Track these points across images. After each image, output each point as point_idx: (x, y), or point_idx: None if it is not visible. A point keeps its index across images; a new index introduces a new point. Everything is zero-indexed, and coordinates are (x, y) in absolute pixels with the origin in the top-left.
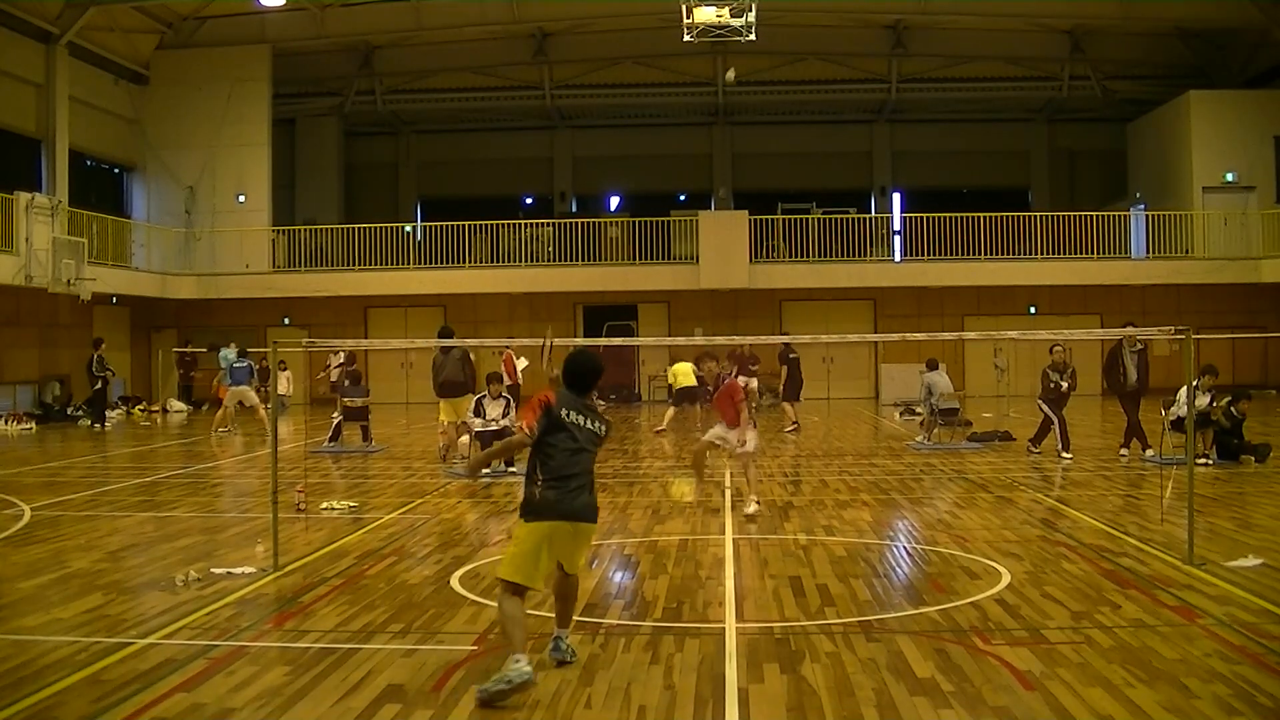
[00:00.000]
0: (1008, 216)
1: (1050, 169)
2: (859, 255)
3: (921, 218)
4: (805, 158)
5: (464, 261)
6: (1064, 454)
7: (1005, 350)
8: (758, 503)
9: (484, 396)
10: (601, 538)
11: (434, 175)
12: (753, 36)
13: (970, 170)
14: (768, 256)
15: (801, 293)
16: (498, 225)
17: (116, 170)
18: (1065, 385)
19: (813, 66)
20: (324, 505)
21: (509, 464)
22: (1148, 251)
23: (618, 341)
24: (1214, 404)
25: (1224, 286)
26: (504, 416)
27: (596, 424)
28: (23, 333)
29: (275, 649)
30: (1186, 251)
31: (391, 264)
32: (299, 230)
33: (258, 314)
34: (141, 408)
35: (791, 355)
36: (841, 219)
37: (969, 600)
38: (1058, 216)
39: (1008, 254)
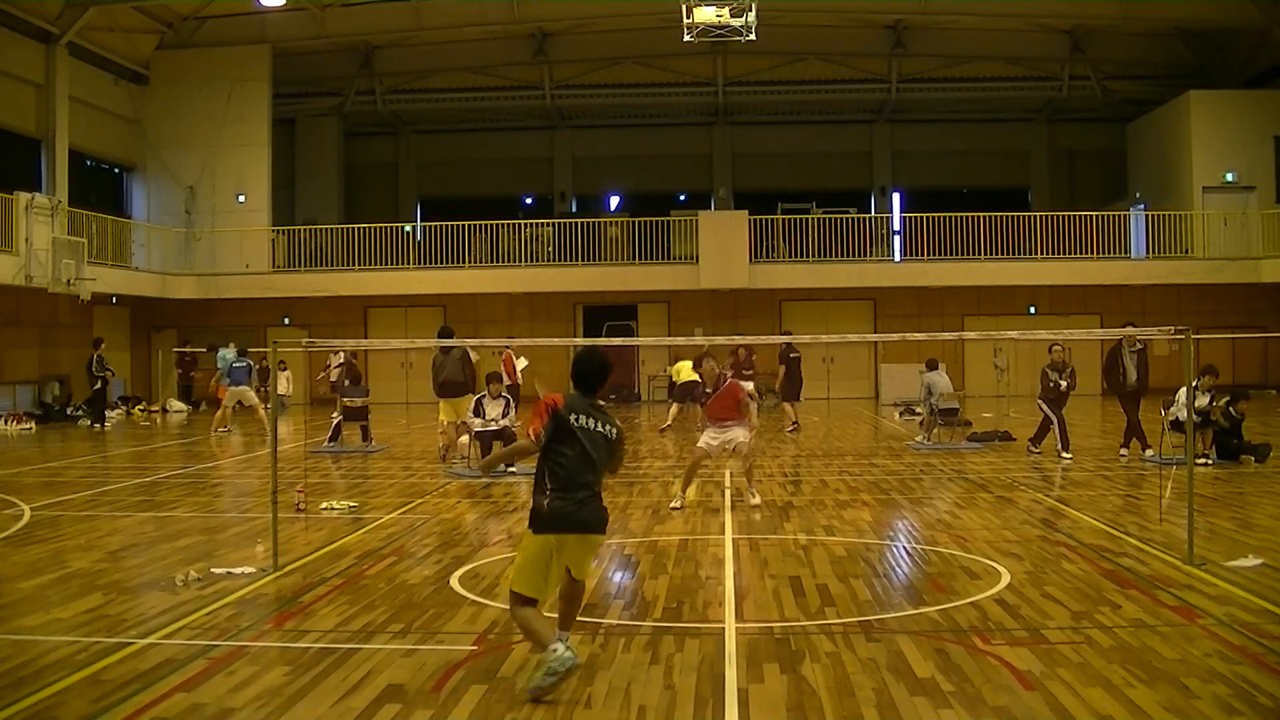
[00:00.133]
0: (1008, 216)
1: (1050, 169)
2: (859, 255)
3: (921, 218)
4: (805, 158)
5: (464, 261)
6: (1064, 454)
7: (1005, 350)
8: (757, 497)
9: (484, 396)
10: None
11: (434, 175)
12: (753, 36)
13: (970, 170)
14: (768, 256)
15: (801, 293)
16: (498, 225)
17: (116, 170)
18: (1064, 385)
19: (813, 66)
20: (324, 505)
21: (509, 465)
22: (1148, 251)
23: (618, 341)
24: (1213, 404)
25: (1224, 286)
26: (504, 416)
27: (606, 427)
28: (23, 333)
29: (275, 649)
30: (1186, 251)
31: (391, 264)
32: (299, 230)
33: (258, 314)
34: (141, 408)
35: (792, 355)
36: (841, 219)
37: (969, 600)
38: (1058, 216)
39: (1008, 254)
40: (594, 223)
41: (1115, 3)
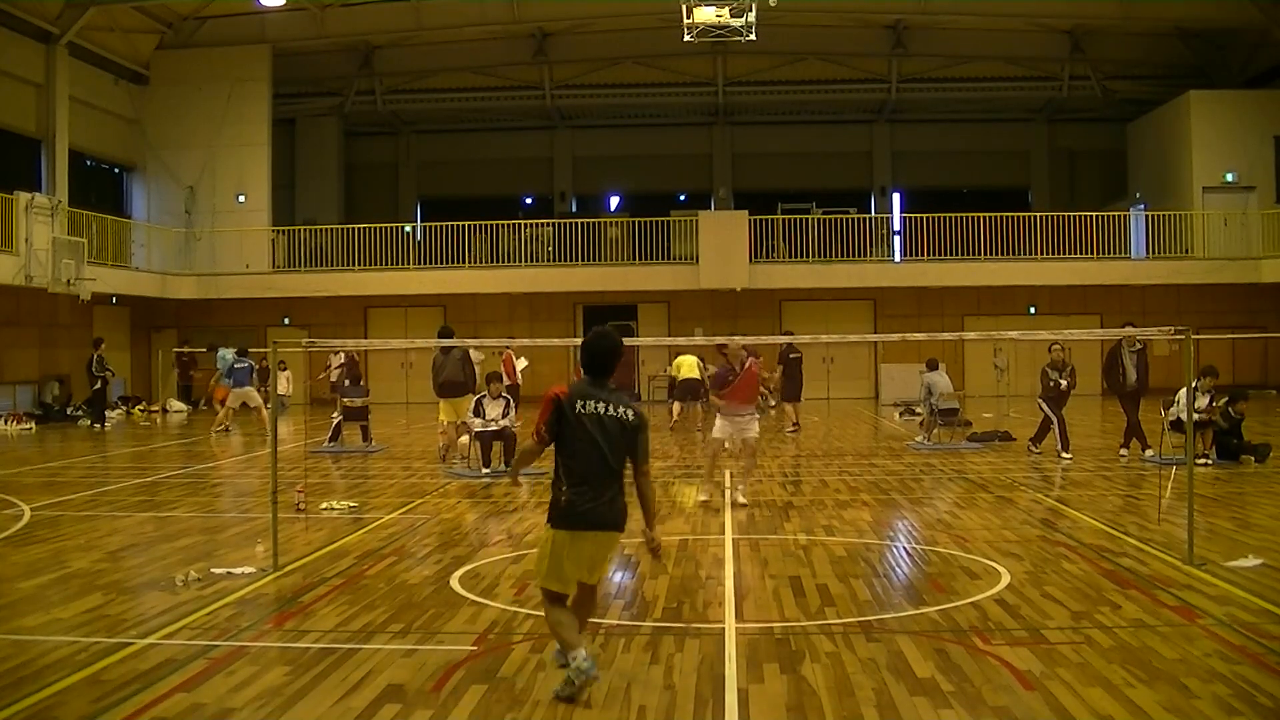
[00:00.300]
0: (1008, 216)
1: (1050, 169)
2: (859, 255)
3: (921, 218)
4: (805, 158)
5: (464, 261)
6: (1064, 454)
7: (1005, 350)
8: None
9: (484, 396)
10: None
11: (434, 175)
12: (753, 36)
13: (970, 170)
14: (768, 256)
15: (801, 293)
16: (498, 225)
17: (116, 170)
18: (1064, 384)
19: (813, 66)
20: (324, 505)
21: (509, 464)
22: (1148, 251)
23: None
24: (1213, 404)
25: (1224, 286)
26: (504, 416)
27: (621, 410)
28: (23, 333)
29: (275, 649)
30: (1186, 251)
31: (391, 264)
32: (299, 230)
33: (258, 314)
34: (141, 408)
35: (793, 355)
36: (841, 219)
37: (969, 600)
38: (1058, 216)
39: (1008, 254)
40: (594, 223)
41: (1115, 3)
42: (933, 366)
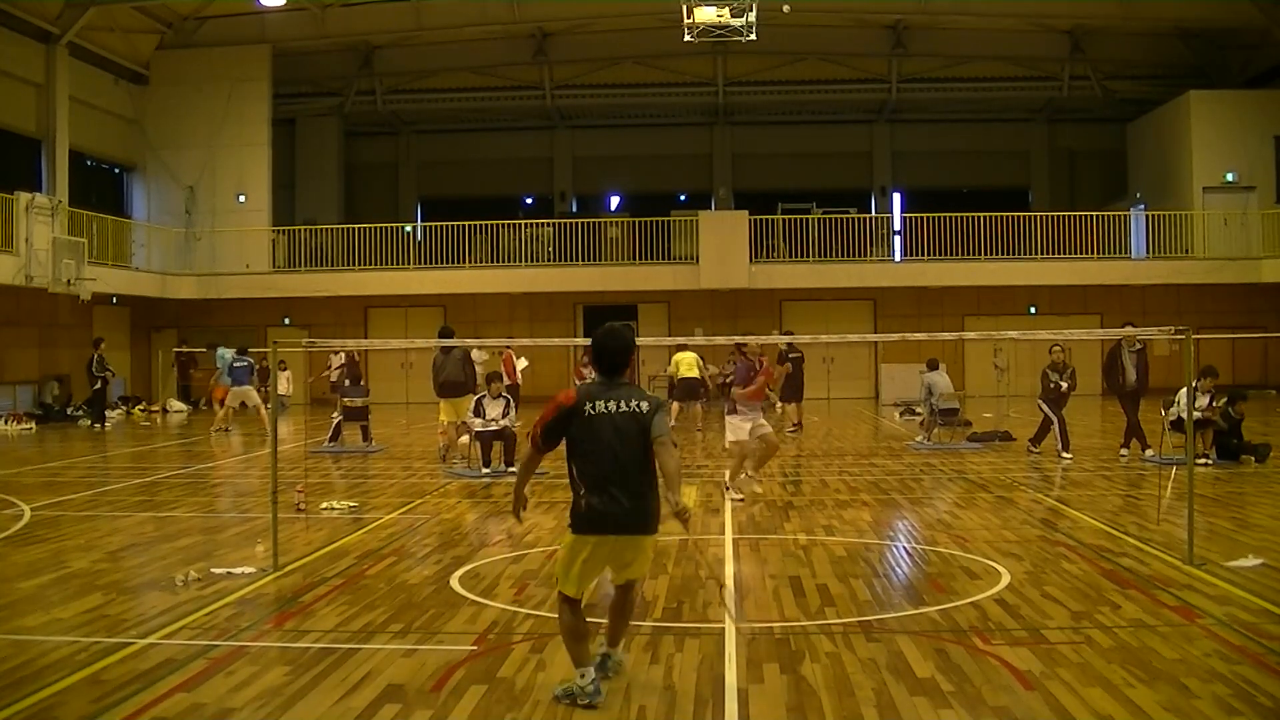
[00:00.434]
0: (1008, 216)
1: (1050, 169)
2: (859, 255)
3: (921, 218)
4: (805, 158)
5: (464, 261)
6: (1064, 454)
7: (1005, 350)
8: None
9: (484, 396)
10: None
11: (434, 175)
12: (753, 36)
13: (970, 170)
14: (768, 256)
15: (801, 293)
16: (498, 225)
17: (116, 170)
18: (1065, 385)
19: (813, 66)
20: (324, 505)
21: (509, 464)
22: (1148, 251)
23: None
24: (1213, 404)
25: (1224, 286)
26: (504, 416)
27: (634, 404)
28: (23, 333)
29: (275, 649)
30: (1186, 251)
31: (391, 264)
32: (299, 230)
33: (258, 314)
34: (141, 408)
35: (792, 355)
36: (841, 219)
37: (969, 600)
38: (1058, 216)
39: (1008, 254)
40: (594, 223)
41: (1115, 3)
42: (933, 366)
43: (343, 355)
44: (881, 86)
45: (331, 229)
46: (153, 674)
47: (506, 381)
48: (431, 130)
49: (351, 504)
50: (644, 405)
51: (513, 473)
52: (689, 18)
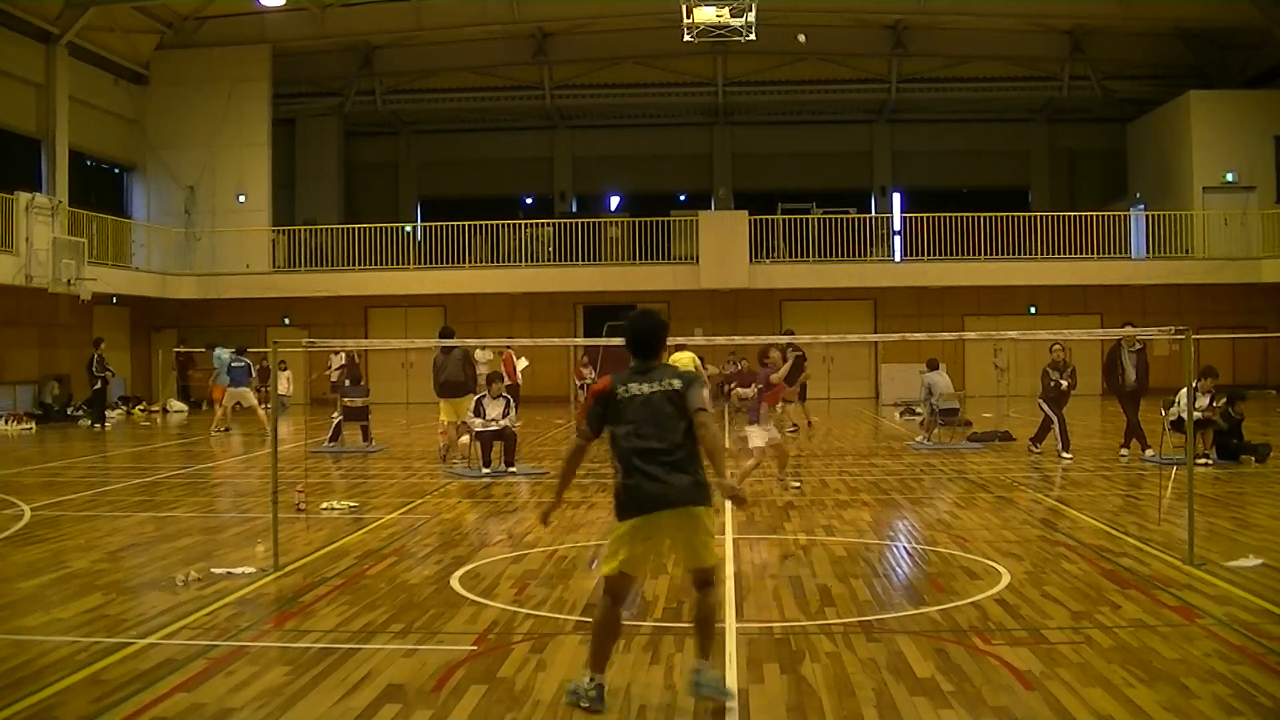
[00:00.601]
0: (1008, 216)
1: (1050, 169)
2: (859, 255)
3: (921, 218)
4: (805, 158)
5: (464, 261)
6: (1064, 454)
7: (1005, 350)
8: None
9: (484, 396)
10: (602, 538)
11: (434, 175)
12: (753, 36)
13: (970, 170)
14: (768, 256)
15: (801, 293)
16: (498, 225)
17: (116, 170)
18: (1065, 384)
19: (812, 66)
20: (324, 505)
21: (509, 464)
22: (1148, 251)
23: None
24: (1214, 404)
25: (1224, 286)
26: (504, 416)
27: (666, 382)
28: (23, 333)
29: (275, 649)
30: (1186, 251)
31: (391, 264)
32: (299, 230)
33: (258, 314)
34: (141, 408)
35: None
36: (841, 219)
37: (969, 600)
38: (1058, 216)
39: (1008, 254)
40: (594, 223)
41: (1115, 3)
42: (933, 366)
43: (343, 355)
44: (881, 86)
45: (331, 229)
46: (153, 674)
47: (507, 382)
48: (431, 130)
49: (352, 504)
50: (676, 382)
51: (512, 472)
52: (689, 18)
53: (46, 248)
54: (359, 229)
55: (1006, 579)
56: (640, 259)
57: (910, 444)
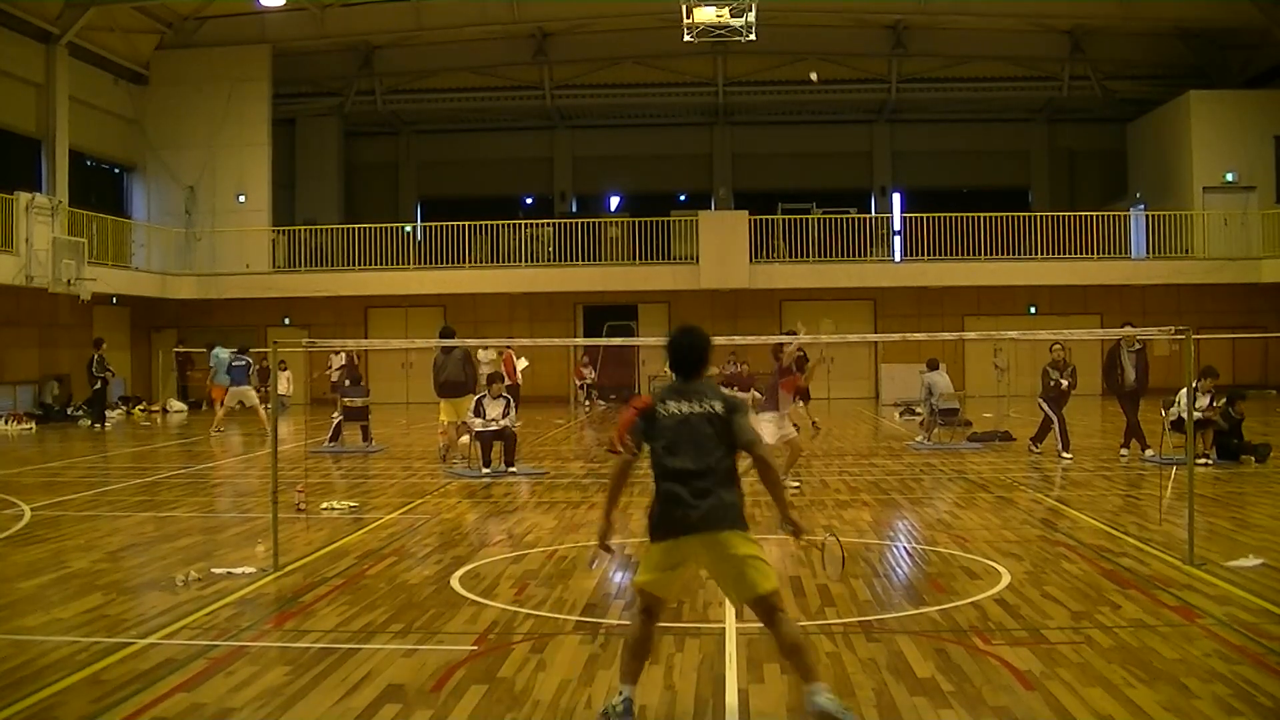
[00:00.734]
0: (1008, 216)
1: (1050, 169)
2: (859, 255)
3: (921, 218)
4: (805, 158)
5: (464, 261)
6: (1064, 454)
7: (1005, 350)
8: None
9: (484, 396)
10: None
11: (434, 175)
12: (753, 36)
13: (970, 170)
14: (768, 256)
15: (801, 293)
16: (498, 225)
17: (116, 170)
18: (1065, 383)
19: (812, 66)
20: (324, 505)
21: (509, 464)
22: (1148, 251)
23: (618, 342)
24: (1214, 404)
25: (1224, 286)
26: (504, 416)
27: (708, 404)
28: (23, 333)
29: (275, 649)
30: (1186, 251)
31: (391, 264)
32: (299, 230)
33: (258, 314)
34: (141, 408)
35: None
36: (841, 219)
37: (969, 600)
38: (1058, 216)
39: (1008, 254)
40: (594, 223)
41: (1115, 3)
42: (933, 366)
43: (343, 355)
44: (881, 86)
45: (331, 229)
46: (153, 674)
47: (507, 382)
48: (431, 130)
49: (352, 504)
50: (718, 405)
51: (513, 473)
52: (689, 18)
53: (46, 248)
54: (359, 229)
55: (1006, 579)
56: (640, 259)
57: (910, 444)
